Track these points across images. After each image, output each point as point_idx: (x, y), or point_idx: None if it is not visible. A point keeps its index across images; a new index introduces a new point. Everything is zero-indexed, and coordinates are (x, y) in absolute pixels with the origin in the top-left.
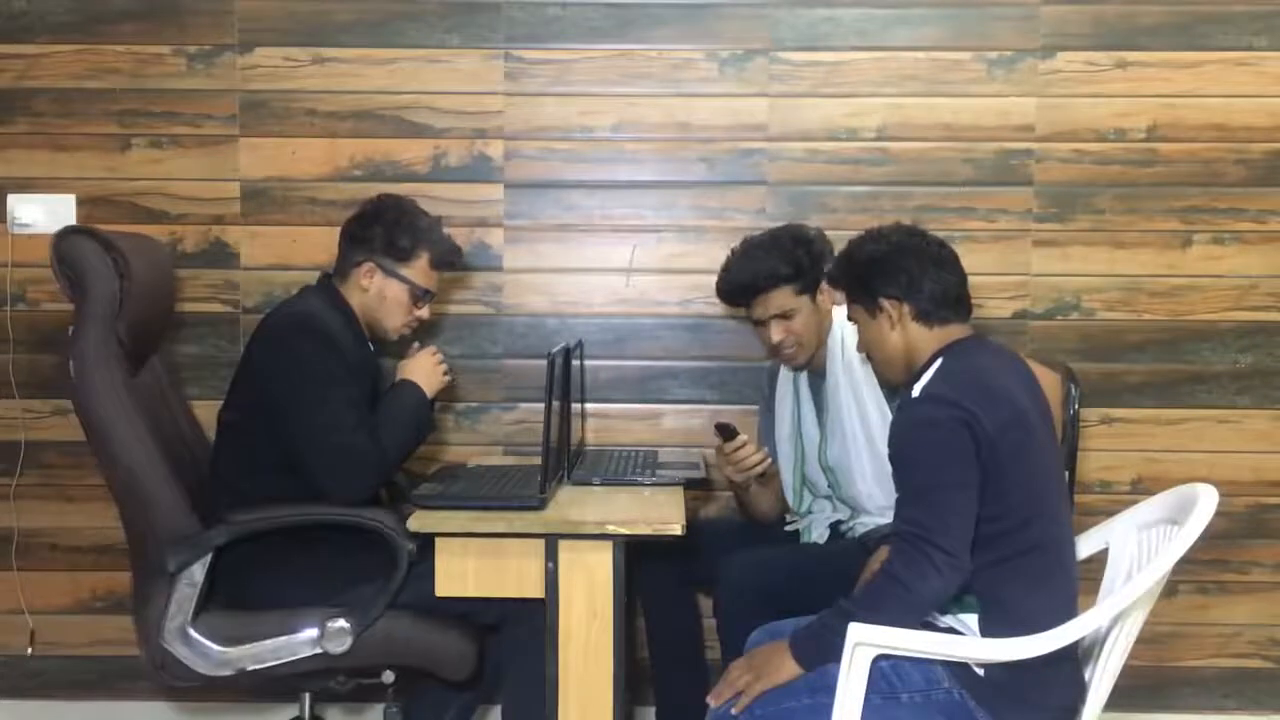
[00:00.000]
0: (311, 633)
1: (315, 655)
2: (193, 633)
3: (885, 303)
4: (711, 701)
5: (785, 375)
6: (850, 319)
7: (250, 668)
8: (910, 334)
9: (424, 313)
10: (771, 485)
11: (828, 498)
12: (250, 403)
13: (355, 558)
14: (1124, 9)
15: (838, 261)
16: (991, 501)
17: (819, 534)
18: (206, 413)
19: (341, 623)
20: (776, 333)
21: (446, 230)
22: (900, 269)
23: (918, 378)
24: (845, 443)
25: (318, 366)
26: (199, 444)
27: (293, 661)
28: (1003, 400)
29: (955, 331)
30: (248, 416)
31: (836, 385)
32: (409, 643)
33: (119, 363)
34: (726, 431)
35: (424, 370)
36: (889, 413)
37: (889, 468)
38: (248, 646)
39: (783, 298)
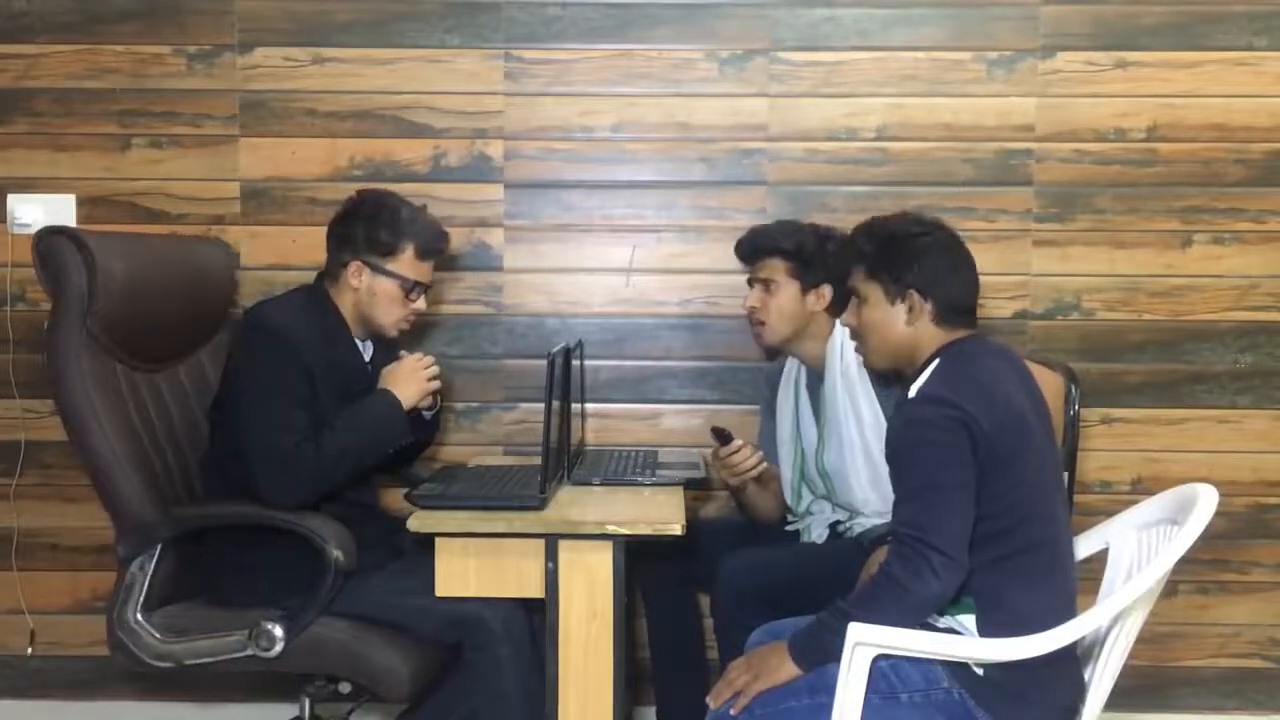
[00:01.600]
0: (241, 634)
1: (248, 656)
2: (140, 621)
3: (915, 295)
4: (711, 702)
5: (787, 378)
6: (854, 290)
7: (187, 662)
8: (921, 331)
9: (420, 304)
10: (770, 488)
11: (826, 498)
12: (224, 400)
13: (306, 561)
14: (1124, 9)
15: (870, 231)
16: (989, 501)
17: (818, 534)
18: None
19: (273, 626)
20: (753, 298)
21: (431, 217)
22: (939, 267)
23: (914, 378)
24: (842, 449)
25: (266, 368)
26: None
27: (227, 660)
28: (1000, 400)
29: (959, 333)
30: (223, 413)
31: (834, 391)
32: (340, 653)
33: (93, 357)
34: (722, 436)
35: (403, 377)
36: (884, 419)
37: (885, 473)
38: (187, 641)
39: (773, 268)
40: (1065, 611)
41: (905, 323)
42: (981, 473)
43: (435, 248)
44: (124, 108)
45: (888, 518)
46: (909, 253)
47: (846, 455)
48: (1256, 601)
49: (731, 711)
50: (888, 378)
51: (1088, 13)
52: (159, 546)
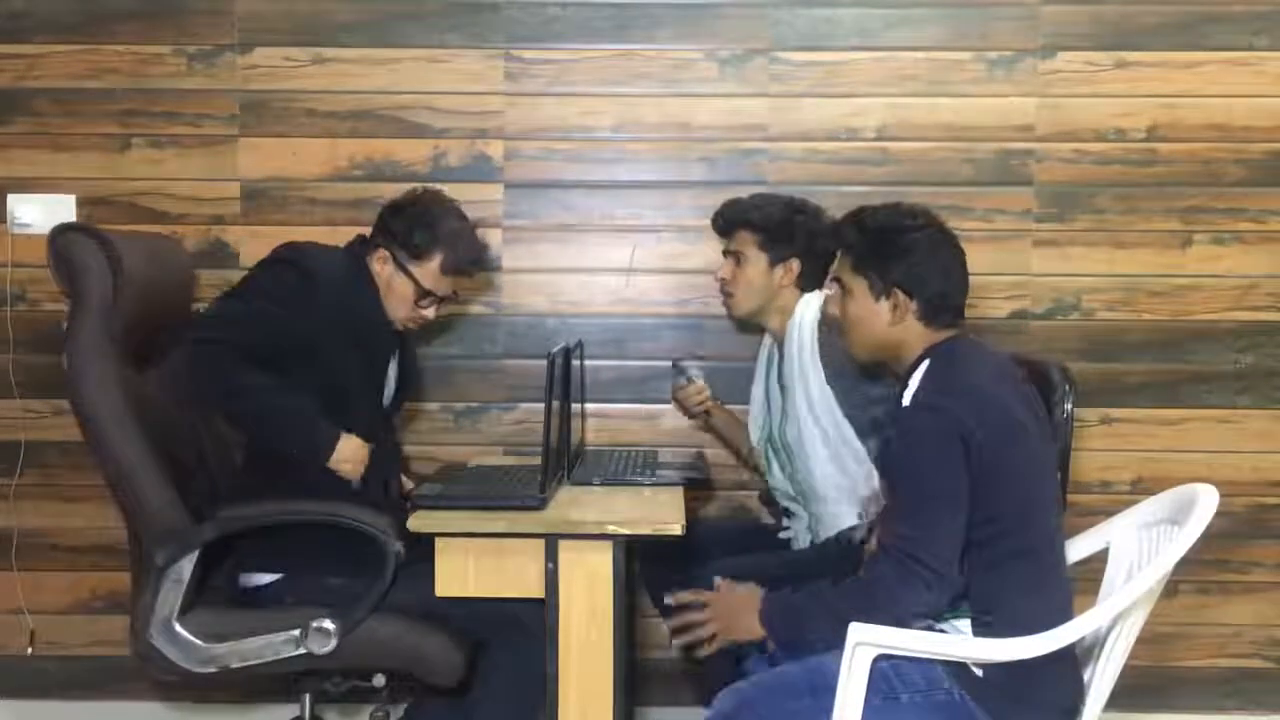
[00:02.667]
0: (294, 632)
1: (299, 655)
2: (178, 628)
3: (899, 293)
4: (670, 601)
5: (763, 347)
6: (839, 281)
7: (234, 665)
8: (907, 330)
9: (429, 313)
10: (729, 421)
11: (791, 481)
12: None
13: (346, 557)
14: (1124, 9)
15: (860, 221)
16: (985, 505)
17: (803, 540)
18: None
19: (325, 623)
20: (724, 269)
21: (476, 238)
22: (927, 264)
23: (905, 379)
24: (800, 426)
25: (263, 282)
26: (209, 441)
27: (276, 661)
28: (994, 405)
29: (946, 332)
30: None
31: (792, 365)
32: (395, 645)
33: (113, 359)
34: (677, 369)
35: (347, 452)
36: (833, 399)
37: (839, 451)
38: (232, 644)
39: (743, 241)
40: (1062, 614)
41: (890, 320)
42: (976, 479)
43: (463, 268)
44: (124, 108)
45: (846, 502)
46: (897, 249)
47: (804, 434)
48: (1256, 601)
49: (700, 654)
50: (846, 373)
51: (1088, 13)
52: (198, 550)
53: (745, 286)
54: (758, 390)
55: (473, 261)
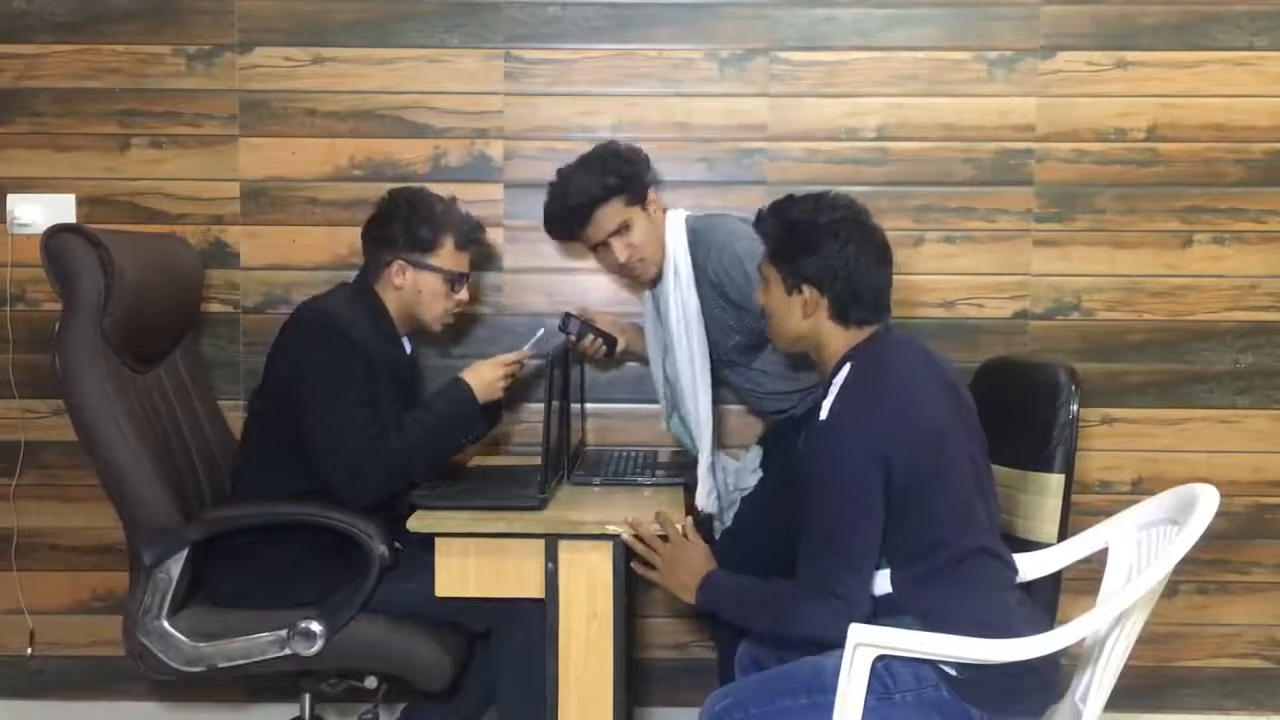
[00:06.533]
0: (280, 633)
1: (285, 656)
2: (167, 627)
3: (806, 289)
4: (625, 533)
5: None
6: (760, 273)
7: (221, 665)
8: (821, 328)
9: (463, 295)
10: (637, 351)
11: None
12: (277, 393)
13: (336, 559)
14: (1124, 9)
15: (776, 212)
16: (911, 521)
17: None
18: None
19: (311, 624)
20: (621, 251)
21: (463, 209)
22: (839, 262)
23: (828, 381)
24: (678, 361)
25: (330, 364)
26: (214, 442)
27: (263, 661)
28: (915, 422)
29: (868, 331)
30: (275, 405)
31: (668, 302)
32: (381, 648)
33: (106, 359)
34: (567, 325)
35: (480, 375)
36: (700, 319)
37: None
38: (220, 643)
39: (616, 213)
40: (1018, 612)
41: (801, 317)
42: (898, 497)
43: (473, 237)
44: (124, 108)
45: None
46: (808, 244)
47: (683, 370)
48: (1256, 601)
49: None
50: (752, 347)
51: (1088, 13)
52: (187, 550)
53: (647, 242)
54: (651, 338)
55: (477, 228)
